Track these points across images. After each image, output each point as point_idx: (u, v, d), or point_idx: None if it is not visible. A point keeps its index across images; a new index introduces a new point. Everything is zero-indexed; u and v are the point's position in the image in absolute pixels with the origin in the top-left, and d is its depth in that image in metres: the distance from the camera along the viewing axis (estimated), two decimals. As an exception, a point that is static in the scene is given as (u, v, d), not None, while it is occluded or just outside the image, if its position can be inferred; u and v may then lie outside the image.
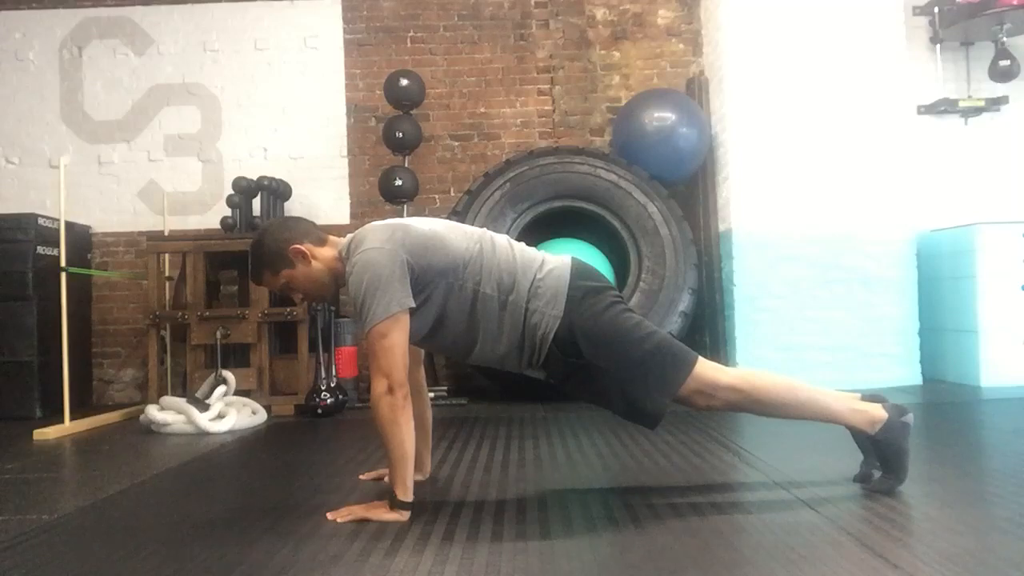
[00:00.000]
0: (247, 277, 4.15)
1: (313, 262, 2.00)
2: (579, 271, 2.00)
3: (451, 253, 1.95)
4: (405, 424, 1.86)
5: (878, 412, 1.95)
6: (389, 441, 1.86)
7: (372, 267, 1.87)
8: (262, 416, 3.76)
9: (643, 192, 4.23)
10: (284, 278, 2.02)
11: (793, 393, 1.97)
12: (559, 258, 2.04)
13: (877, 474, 2.00)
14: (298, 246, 1.99)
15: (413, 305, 1.88)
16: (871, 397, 2.02)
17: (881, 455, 1.97)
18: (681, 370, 1.93)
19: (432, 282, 1.92)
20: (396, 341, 1.86)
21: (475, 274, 1.95)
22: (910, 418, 1.95)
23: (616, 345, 1.93)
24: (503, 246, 2.02)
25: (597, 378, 1.94)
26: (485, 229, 2.11)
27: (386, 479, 2.26)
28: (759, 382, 1.96)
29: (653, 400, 1.93)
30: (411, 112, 4.60)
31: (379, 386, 1.85)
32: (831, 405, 1.97)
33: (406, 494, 1.86)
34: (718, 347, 4.48)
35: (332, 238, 2.07)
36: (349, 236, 2.02)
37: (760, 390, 1.95)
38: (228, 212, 4.49)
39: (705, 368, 1.95)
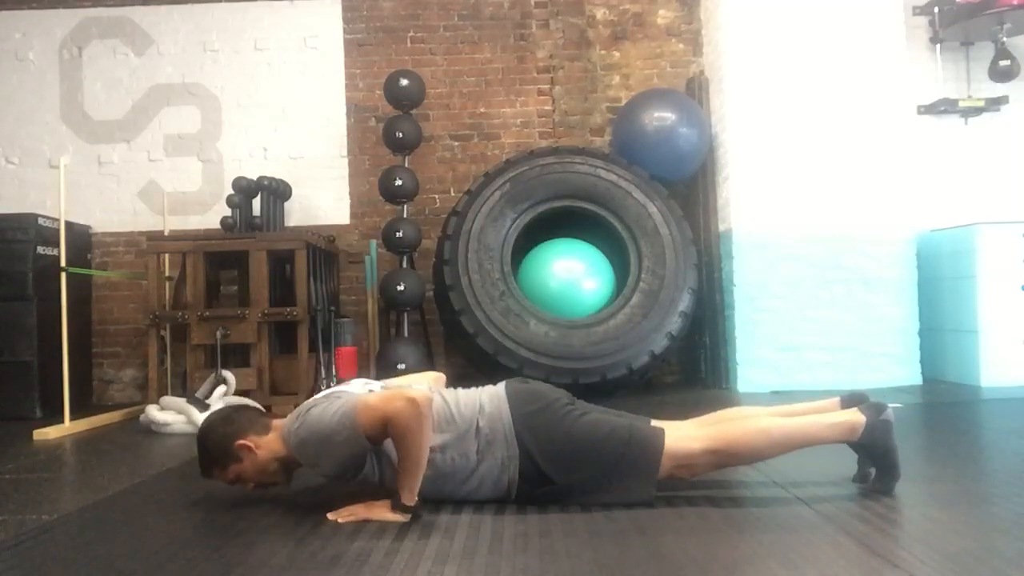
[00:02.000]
0: (247, 277, 4.16)
1: (259, 452, 2.00)
2: (517, 398, 2.00)
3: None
4: (426, 435, 1.85)
5: (855, 418, 1.95)
6: (409, 449, 1.84)
7: (312, 417, 1.90)
8: (262, 416, 3.75)
9: (643, 192, 4.23)
10: (233, 473, 2.03)
11: (767, 436, 1.97)
12: (495, 392, 2.03)
13: (874, 475, 2.00)
14: (242, 441, 1.99)
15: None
16: (849, 398, 2.03)
17: (871, 457, 1.98)
18: (653, 455, 1.93)
19: (375, 451, 1.93)
20: (378, 395, 1.88)
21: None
22: (890, 414, 1.95)
23: (582, 459, 1.94)
24: (438, 404, 1.99)
25: (577, 493, 1.96)
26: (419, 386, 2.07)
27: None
28: (731, 436, 1.96)
29: (639, 491, 1.94)
30: (411, 112, 4.60)
31: (396, 404, 1.83)
32: (807, 431, 1.98)
33: (412, 499, 1.86)
34: (718, 347, 4.48)
35: (275, 422, 2.07)
36: (289, 416, 2.02)
37: (736, 444, 1.96)
38: (228, 212, 4.49)
39: (676, 442, 1.95)
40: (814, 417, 2.02)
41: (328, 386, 3.94)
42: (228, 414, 2.10)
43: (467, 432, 1.96)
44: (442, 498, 1.98)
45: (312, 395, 3.85)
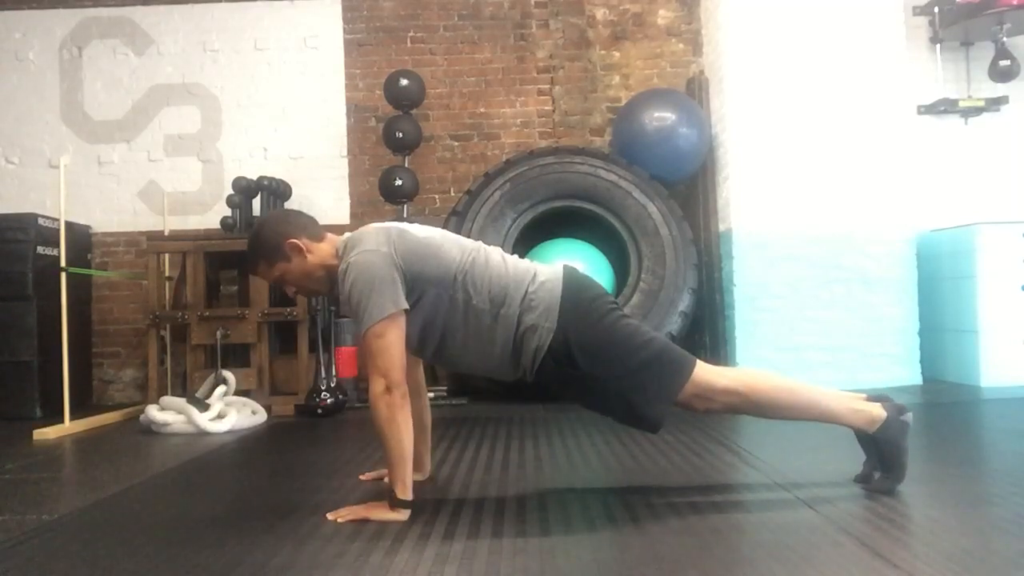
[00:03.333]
0: (247, 277, 4.16)
1: (308, 256, 2.00)
2: (572, 281, 2.00)
3: (444, 262, 1.95)
4: (403, 423, 1.86)
5: (877, 411, 1.95)
6: (387, 440, 1.86)
7: (366, 268, 1.87)
8: (262, 416, 3.76)
9: (643, 192, 4.23)
10: (279, 271, 2.02)
11: (792, 395, 1.98)
12: (552, 269, 2.03)
13: (878, 475, 2.00)
14: (294, 240, 1.99)
15: (407, 307, 1.89)
16: (874, 397, 2.03)
17: (880, 453, 1.98)
18: (680, 375, 1.93)
19: (423, 290, 1.92)
20: (392, 341, 1.86)
21: (467, 285, 1.94)
22: (909, 417, 1.96)
23: (613, 355, 1.92)
24: (496, 259, 2.01)
25: (595, 387, 1.95)
26: (480, 242, 2.10)
27: (386, 479, 2.27)
28: (757, 385, 1.97)
29: (653, 407, 1.94)
30: (411, 112, 4.60)
31: (377, 386, 1.85)
32: (830, 405, 1.98)
33: (406, 492, 1.86)
34: (718, 347, 4.47)
35: (330, 235, 2.07)
36: (347, 235, 2.03)
37: (758, 392, 1.95)
38: (228, 212, 4.49)
39: (704, 372, 1.96)
40: (841, 395, 2.02)
41: (329, 386, 3.95)
42: (285, 214, 2.13)
43: (517, 289, 1.95)
44: (471, 348, 1.96)
45: (312, 396, 3.89)
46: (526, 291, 1.95)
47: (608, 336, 1.94)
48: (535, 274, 1.99)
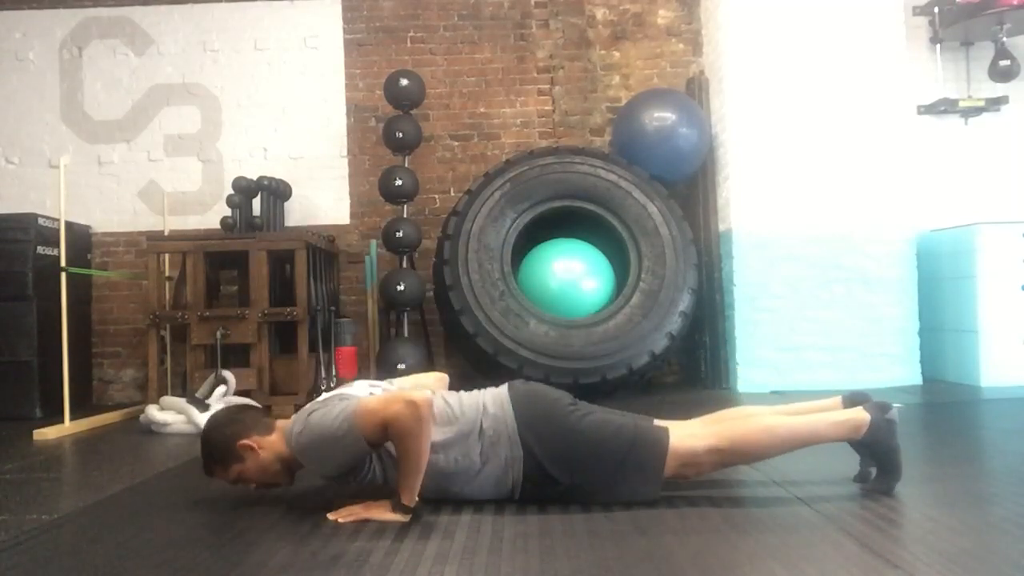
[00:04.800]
0: (247, 277, 4.16)
1: (262, 453, 2.00)
2: (521, 399, 1.99)
3: None
4: (425, 437, 1.84)
5: (860, 417, 1.95)
6: (407, 451, 1.84)
7: (314, 419, 1.90)
8: (262, 416, 3.75)
9: (643, 192, 4.23)
10: (235, 472, 2.03)
11: (772, 434, 1.98)
12: (497, 394, 2.02)
13: (875, 474, 2.00)
14: (245, 441, 1.99)
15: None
16: (851, 398, 2.02)
17: (873, 456, 1.98)
18: (658, 455, 1.93)
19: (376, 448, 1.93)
20: (378, 399, 1.87)
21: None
22: (894, 414, 1.95)
23: (586, 460, 1.93)
24: (440, 407, 1.99)
25: (582, 494, 1.95)
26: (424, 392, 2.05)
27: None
28: (736, 435, 1.97)
29: (644, 491, 1.94)
30: (411, 112, 4.60)
31: (395, 407, 1.82)
32: (812, 429, 1.98)
33: (411, 501, 1.86)
34: (718, 347, 4.48)
35: (278, 423, 2.07)
36: (293, 417, 2.02)
37: (740, 442, 1.96)
38: (228, 212, 4.49)
39: (681, 440, 1.95)
40: (819, 415, 2.02)
41: (329, 387, 3.94)
42: (231, 414, 2.10)
43: (470, 433, 1.96)
44: (446, 497, 1.98)
45: (312, 396, 3.88)
46: (481, 428, 1.95)
47: (576, 441, 1.94)
48: (485, 408, 1.98)
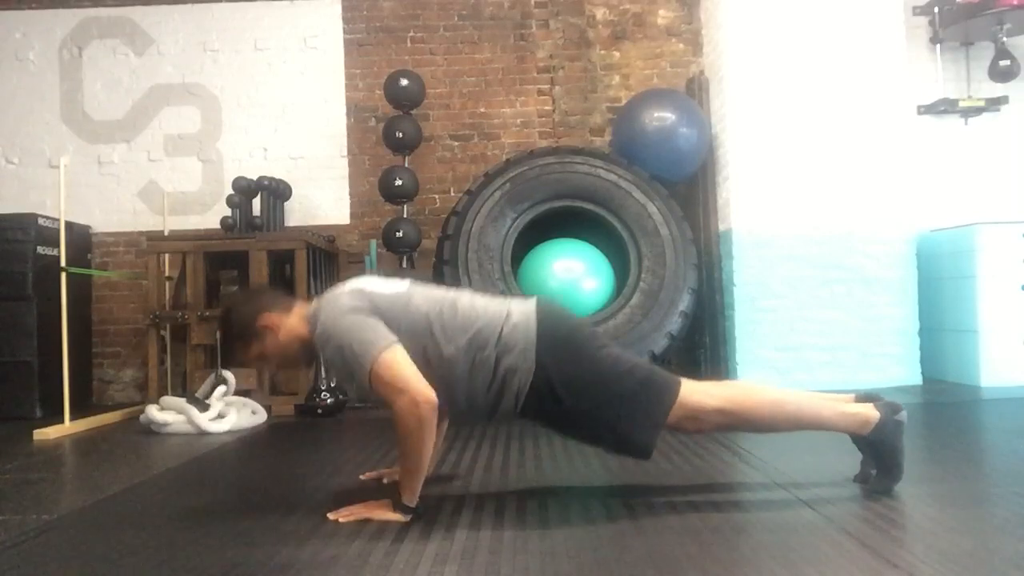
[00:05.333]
0: (247, 277, 4.16)
1: (281, 332, 2.00)
2: (547, 316, 1.97)
3: (412, 316, 1.94)
4: (428, 439, 1.83)
5: (870, 413, 1.95)
6: (408, 451, 1.83)
7: (341, 324, 1.87)
8: (262, 416, 3.76)
9: (643, 192, 4.23)
10: (255, 351, 2.03)
11: (781, 408, 1.97)
12: (525, 306, 2.00)
13: (875, 474, 2.00)
14: (265, 319, 1.99)
15: (396, 339, 1.86)
16: (865, 396, 2.02)
17: (876, 455, 1.97)
18: (666, 400, 1.92)
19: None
20: (399, 365, 1.83)
21: (438, 336, 1.92)
22: (903, 416, 1.95)
23: (597, 386, 1.92)
24: (465, 305, 1.99)
25: (582, 420, 1.94)
26: (449, 289, 2.09)
27: (386, 479, 2.27)
28: (746, 402, 1.96)
29: (642, 434, 1.93)
30: (411, 112, 4.60)
31: (401, 400, 1.80)
32: (820, 413, 1.97)
33: (412, 501, 1.86)
34: (718, 347, 4.48)
35: (298, 305, 2.06)
36: (315, 302, 2.01)
37: (747, 409, 1.95)
38: (228, 212, 4.49)
39: (691, 393, 1.94)
40: (831, 401, 2.01)
41: (329, 386, 3.95)
42: (251, 293, 2.11)
43: (490, 333, 1.93)
44: (453, 396, 1.95)
45: (312, 396, 3.89)
46: (500, 333, 1.93)
47: (590, 367, 1.93)
48: (508, 314, 1.97)
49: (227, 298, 2.13)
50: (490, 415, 2.00)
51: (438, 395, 1.88)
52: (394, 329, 1.89)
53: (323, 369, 4.01)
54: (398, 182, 4.46)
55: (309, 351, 2.02)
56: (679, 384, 1.94)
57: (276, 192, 4.62)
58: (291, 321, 2.02)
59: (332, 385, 3.99)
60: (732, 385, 2.07)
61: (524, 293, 4.09)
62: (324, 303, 1.96)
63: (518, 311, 1.98)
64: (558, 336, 1.95)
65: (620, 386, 1.91)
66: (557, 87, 5.02)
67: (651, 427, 1.93)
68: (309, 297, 2.08)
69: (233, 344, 2.05)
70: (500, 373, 1.92)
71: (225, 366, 3.92)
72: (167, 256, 4.59)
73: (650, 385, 1.93)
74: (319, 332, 1.91)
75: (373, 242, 4.59)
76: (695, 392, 1.95)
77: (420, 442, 1.82)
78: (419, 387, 1.81)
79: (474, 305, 2.00)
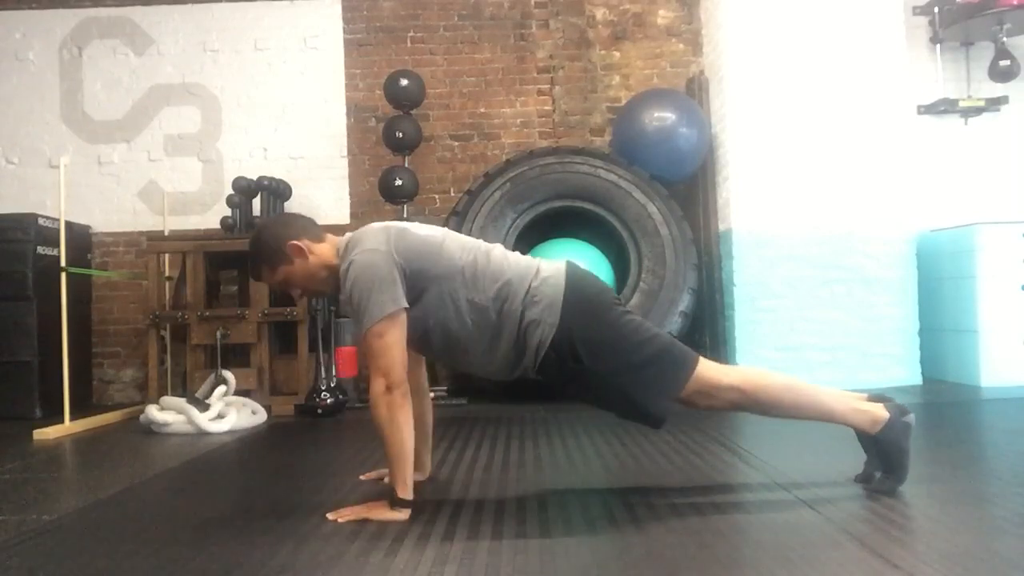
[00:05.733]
0: (247, 277, 4.16)
1: (311, 257, 2.00)
2: (575, 277, 1.99)
3: (445, 260, 1.95)
4: (404, 423, 1.86)
5: (880, 412, 1.95)
6: (388, 440, 1.86)
7: (367, 267, 1.88)
8: (262, 416, 3.76)
9: (643, 192, 4.23)
10: (282, 274, 2.02)
11: (794, 394, 1.98)
12: (554, 265, 2.02)
13: (879, 475, 2.00)
14: (295, 242, 1.99)
15: (407, 305, 1.89)
16: (876, 397, 2.02)
17: (882, 454, 1.97)
18: (683, 372, 1.93)
19: (424, 287, 1.92)
20: (393, 340, 1.87)
21: (468, 282, 1.94)
22: (911, 418, 1.96)
23: (616, 350, 1.92)
24: (497, 255, 2.01)
25: (598, 382, 1.95)
26: (481, 240, 2.11)
27: (386, 479, 2.27)
28: (761, 382, 1.97)
29: (656, 403, 1.94)
30: (411, 112, 4.60)
31: (377, 385, 1.86)
32: (832, 405, 1.98)
33: (406, 492, 1.87)
34: (718, 347, 4.47)
35: (330, 235, 2.07)
36: (347, 235, 2.03)
37: (761, 390, 1.96)
38: (228, 212, 4.50)
39: (707, 369, 1.95)
40: (844, 395, 2.02)
41: (329, 386, 3.95)
42: (284, 216, 2.11)
43: (519, 285, 1.94)
44: (476, 347, 1.96)
45: (312, 396, 3.89)
46: (529, 286, 1.95)
47: (612, 331, 1.94)
48: (538, 270, 1.99)
49: (259, 223, 2.11)
50: (511, 369, 2.00)
51: (462, 347, 1.95)
52: (423, 272, 1.91)
53: (323, 369, 4.02)
54: (398, 182, 4.46)
55: (335, 280, 2.01)
56: (697, 358, 1.96)
57: (276, 192, 4.62)
58: (322, 248, 2.02)
59: (332, 385, 3.99)
60: (749, 367, 2.09)
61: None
62: (358, 238, 1.97)
63: (548, 268, 2.00)
64: (585, 296, 1.96)
65: (639, 352, 1.93)
66: (557, 87, 5.02)
67: (665, 396, 1.94)
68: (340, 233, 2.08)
69: (260, 265, 2.03)
70: (524, 325, 1.93)
71: (225, 366, 3.93)
72: (167, 256, 4.59)
73: (668, 355, 1.94)
74: (345, 265, 1.92)
75: (373, 242, 4.59)
76: (711, 368, 1.97)
77: (398, 427, 1.84)
78: (397, 376, 1.85)
79: (507, 256, 2.02)
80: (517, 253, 2.09)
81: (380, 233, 1.95)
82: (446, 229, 2.11)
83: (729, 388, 1.94)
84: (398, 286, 1.88)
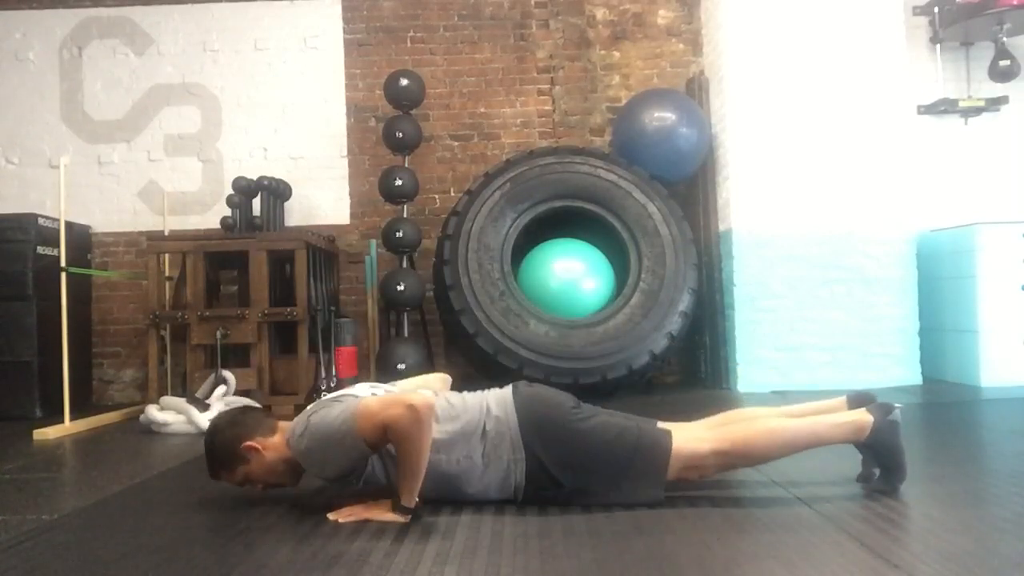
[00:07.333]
0: (247, 277, 4.16)
1: (266, 454, 2.00)
2: (525, 402, 1.99)
3: None
4: (426, 445, 1.84)
5: (863, 418, 1.95)
6: (406, 454, 1.84)
7: (314, 419, 1.90)
8: (262, 416, 3.75)
9: (643, 192, 4.23)
10: (241, 475, 2.03)
11: (775, 437, 1.98)
12: (502, 396, 2.02)
13: (878, 474, 2.00)
14: (249, 443, 1.99)
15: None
16: (856, 397, 2.03)
17: (877, 457, 1.98)
18: (660, 458, 1.93)
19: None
20: (380, 400, 1.86)
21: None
22: (897, 415, 1.95)
23: (590, 464, 1.93)
24: (443, 407, 1.99)
25: (585, 495, 1.95)
26: (424, 392, 2.04)
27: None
28: (739, 437, 1.97)
29: (647, 494, 1.94)
30: (411, 112, 4.60)
31: (395, 411, 1.80)
32: (815, 432, 1.98)
33: (411, 502, 1.86)
34: (718, 347, 4.48)
35: (280, 423, 2.07)
36: (295, 420, 2.02)
37: (744, 446, 1.96)
38: (228, 212, 4.49)
39: (684, 443, 1.95)
40: (821, 417, 2.02)
41: (329, 387, 3.95)
42: (233, 416, 2.10)
43: (473, 433, 1.96)
44: (447, 498, 1.98)
45: (312, 396, 3.89)
46: (483, 431, 1.95)
47: (579, 445, 1.94)
48: (488, 410, 1.99)
49: (210, 425, 2.13)
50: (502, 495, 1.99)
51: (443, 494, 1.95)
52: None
53: (323, 369, 4.03)
54: (398, 182, 4.46)
55: (294, 468, 2.02)
56: (670, 438, 1.95)
57: (276, 192, 4.62)
58: (274, 442, 2.01)
59: (332, 385, 3.99)
60: (721, 422, 2.06)
61: (524, 293, 4.09)
62: (298, 418, 1.98)
63: (496, 404, 2.00)
64: (541, 420, 1.96)
65: (613, 456, 1.93)
66: (557, 87, 5.02)
67: (653, 486, 1.94)
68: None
69: (218, 470, 2.04)
70: (494, 472, 1.94)
71: (225, 366, 3.93)
72: (167, 256, 4.58)
73: (641, 448, 1.94)
74: (296, 443, 1.92)
75: (373, 242, 4.60)
76: (688, 441, 1.96)
77: (418, 445, 1.82)
78: (409, 397, 1.83)
79: (452, 405, 2.01)
80: (464, 394, 2.08)
81: (322, 402, 1.97)
82: (388, 385, 2.17)
83: (711, 454, 1.95)
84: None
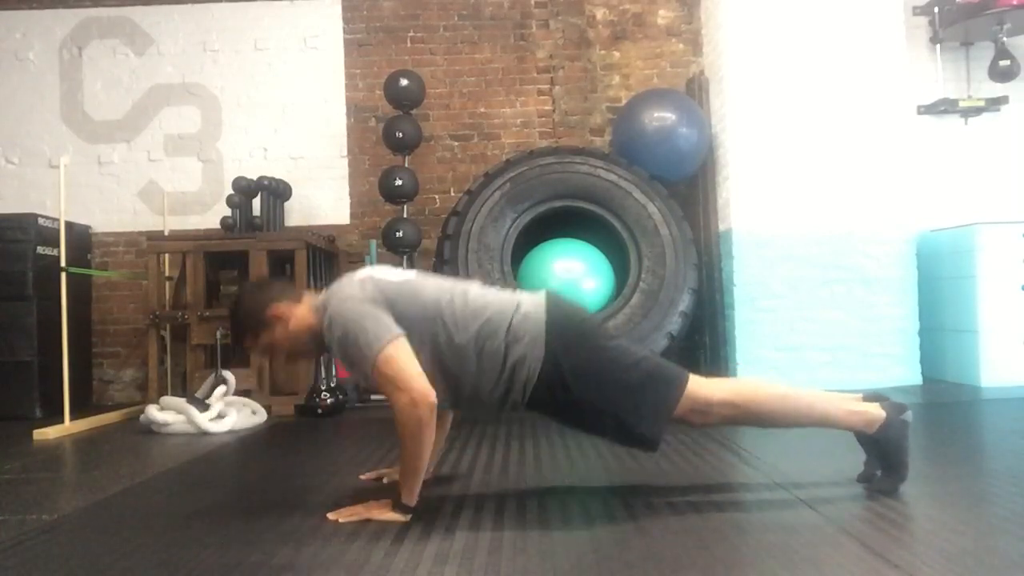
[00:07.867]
0: (247, 277, 4.16)
1: (292, 321, 2.00)
2: (556, 308, 1.98)
3: (422, 304, 1.94)
4: (428, 442, 1.84)
5: (876, 412, 1.95)
6: (408, 452, 1.84)
7: (349, 311, 1.88)
8: (262, 416, 3.76)
9: (643, 192, 4.23)
10: (265, 340, 2.03)
11: (788, 402, 1.98)
12: (534, 297, 2.02)
13: (879, 474, 2.00)
14: (275, 308, 1.99)
15: (402, 332, 1.87)
16: (872, 396, 2.02)
17: (881, 454, 1.98)
18: (674, 392, 1.92)
19: (406, 332, 1.89)
20: (402, 360, 1.84)
21: (448, 324, 1.93)
22: (909, 416, 1.96)
23: (605, 378, 1.92)
24: (475, 294, 2.00)
25: (589, 411, 1.94)
26: (456, 280, 2.09)
27: (386, 479, 2.27)
28: (753, 395, 1.97)
29: (649, 426, 1.93)
30: (411, 112, 4.60)
31: (401, 399, 1.81)
32: (827, 410, 1.98)
33: (411, 500, 1.86)
34: (718, 347, 4.48)
35: (306, 294, 2.07)
36: (323, 292, 2.02)
37: (755, 403, 1.96)
38: (228, 212, 4.49)
39: (698, 386, 1.95)
40: (838, 399, 2.02)
41: (329, 386, 3.95)
42: (259, 285, 2.10)
43: (500, 322, 1.93)
44: (461, 387, 1.95)
45: (312, 396, 3.88)
46: (510, 323, 1.94)
47: (599, 358, 1.94)
48: (518, 305, 1.98)
49: (236, 289, 2.12)
50: (500, 406, 1.99)
51: (447, 387, 1.91)
52: (403, 317, 1.90)
53: (323, 369, 4.02)
54: (398, 182, 4.46)
55: (318, 341, 2.01)
56: (687, 377, 1.95)
57: (276, 192, 4.62)
58: (301, 311, 2.02)
59: (332, 385, 3.99)
60: (740, 380, 2.08)
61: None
62: (333, 292, 1.97)
63: (528, 302, 2.00)
64: (568, 326, 1.96)
65: (627, 377, 1.92)
66: (557, 87, 5.02)
67: (658, 419, 1.93)
68: (317, 289, 2.06)
69: (244, 334, 2.04)
70: (509, 363, 1.92)
71: (225, 366, 3.93)
72: (167, 256, 4.59)
73: (657, 377, 1.94)
74: (327, 321, 1.91)
75: (373, 242, 4.60)
76: (703, 385, 1.96)
77: (420, 443, 1.82)
78: (420, 387, 1.81)
79: (484, 295, 2.01)
80: (496, 289, 2.08)
81: (354, 285, 1.95)
82: (419, 271, 2.11)
83: (722, 403, 1.94)
84: (386, 317, 1.87)
